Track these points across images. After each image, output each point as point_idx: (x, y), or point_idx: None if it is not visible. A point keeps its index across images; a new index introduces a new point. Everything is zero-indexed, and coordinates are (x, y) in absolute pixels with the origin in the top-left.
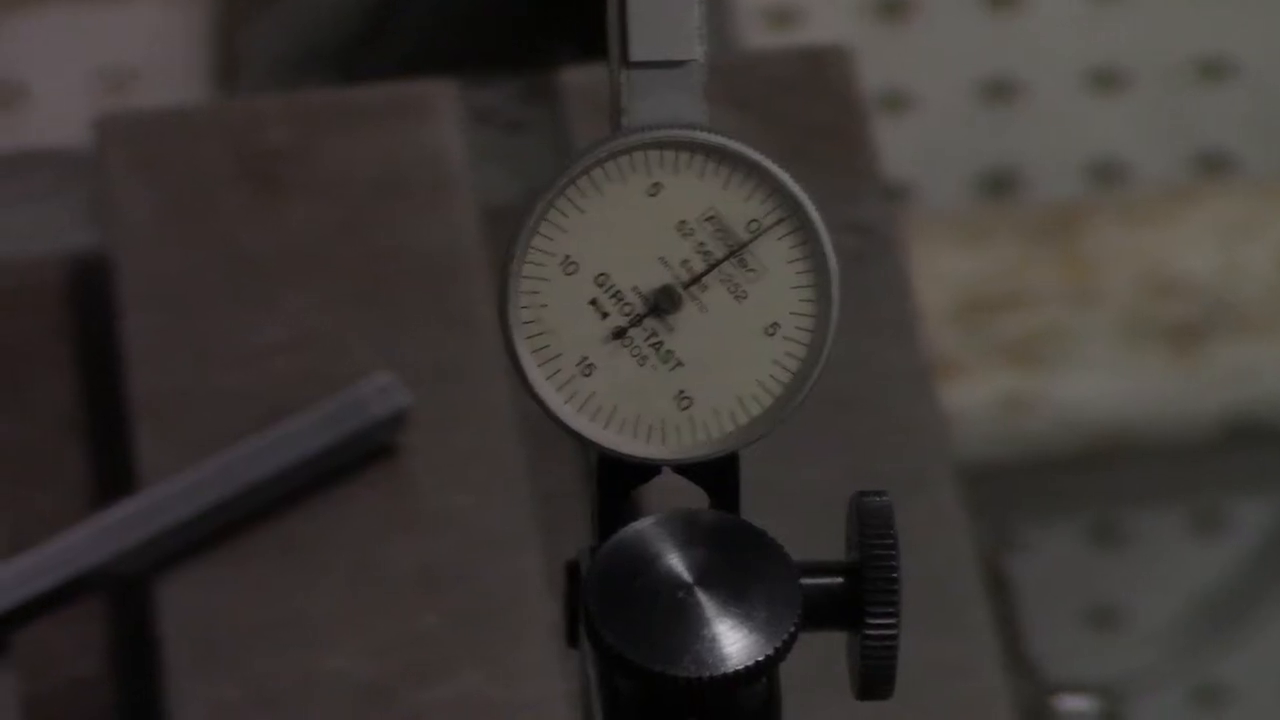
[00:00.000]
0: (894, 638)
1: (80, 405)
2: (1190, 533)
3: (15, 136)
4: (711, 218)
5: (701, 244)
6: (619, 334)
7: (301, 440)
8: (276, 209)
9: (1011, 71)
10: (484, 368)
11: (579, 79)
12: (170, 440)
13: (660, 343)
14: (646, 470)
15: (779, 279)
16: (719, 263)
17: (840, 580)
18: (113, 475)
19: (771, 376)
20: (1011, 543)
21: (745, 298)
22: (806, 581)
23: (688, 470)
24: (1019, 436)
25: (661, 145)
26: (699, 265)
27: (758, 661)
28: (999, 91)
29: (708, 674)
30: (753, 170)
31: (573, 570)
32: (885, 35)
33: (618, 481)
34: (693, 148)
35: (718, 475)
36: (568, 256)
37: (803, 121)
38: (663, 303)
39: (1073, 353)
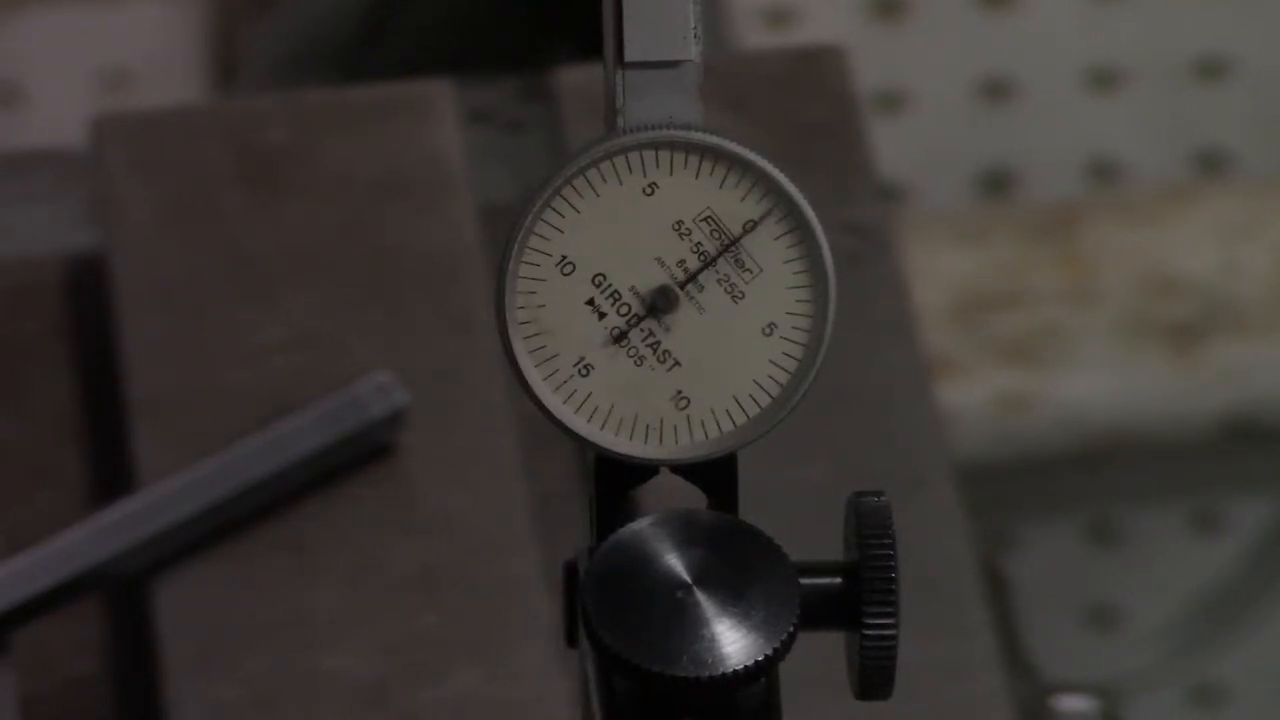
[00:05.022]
0: (893, 638)
1: (79, 405)
2: (1188, 532)
3: (15, 136)
4: (708, 218)
5: (698, 244)
6: (616, 334)
7: (300, 439)
8: (276, 209)
9: (1009, 71)
10: (482, 368)
11: (578, 79)
12: (169, 440)
13: (658, 343)
14: (644, 470)
15: (775, 279)
16: (715, 258)
17: (838, 580)
18: (111, 475)
19: (769, 377)
20: (1009, 542)
21: (742, 298)
22: (805, 582)
23: (685, 470)
24: (1017, 436)
25: (657, 145)
26: (695, 266)
27: (756, 662)
28: (997, 91)
29: (706, 674)
30: (749, 170)
31: (571, 570)
32: (883, 35)
33: (615, 482)
34: (688, 148)
35: (715, 475)
36: (564, 257)
37: (798, 122)
38: (660, 303)
39: (1071, 352)
